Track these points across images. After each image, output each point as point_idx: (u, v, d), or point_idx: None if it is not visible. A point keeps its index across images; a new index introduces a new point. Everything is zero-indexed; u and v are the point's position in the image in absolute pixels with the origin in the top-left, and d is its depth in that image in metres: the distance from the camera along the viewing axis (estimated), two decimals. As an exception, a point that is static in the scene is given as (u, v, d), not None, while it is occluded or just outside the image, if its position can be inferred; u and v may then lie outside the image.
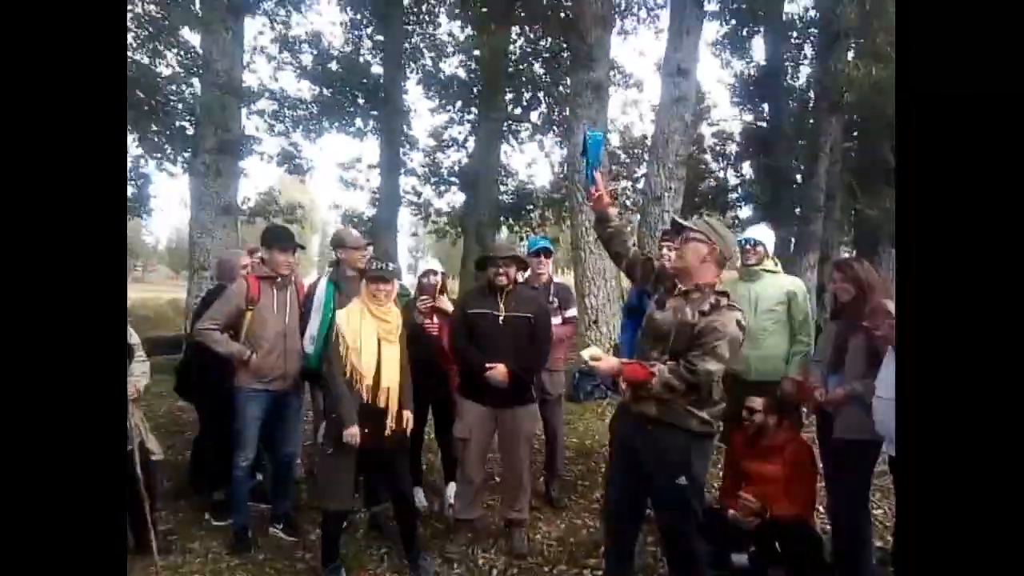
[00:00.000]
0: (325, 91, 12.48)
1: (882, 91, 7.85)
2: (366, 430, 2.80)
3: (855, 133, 11.95)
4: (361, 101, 12.91)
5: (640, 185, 12.59)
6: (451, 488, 3.74)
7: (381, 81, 12.67)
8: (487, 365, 3.08)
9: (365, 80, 12.72)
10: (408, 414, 2.99)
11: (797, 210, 10.45)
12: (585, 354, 2.43)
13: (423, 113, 38.60)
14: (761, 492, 3.07)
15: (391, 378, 2.88)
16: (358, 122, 13.31)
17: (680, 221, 2.57)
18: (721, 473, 3.48)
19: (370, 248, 3.64)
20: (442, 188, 14.67)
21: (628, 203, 14.97)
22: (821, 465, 3.14)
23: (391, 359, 2.90)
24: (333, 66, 12.55)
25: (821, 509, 3.32)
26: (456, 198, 14.90)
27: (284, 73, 12.61)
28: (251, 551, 3.17)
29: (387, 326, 2.92)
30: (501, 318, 3.18)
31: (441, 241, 15.92)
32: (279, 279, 3.24)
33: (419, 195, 14.65)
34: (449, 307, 3.59)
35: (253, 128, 11.52)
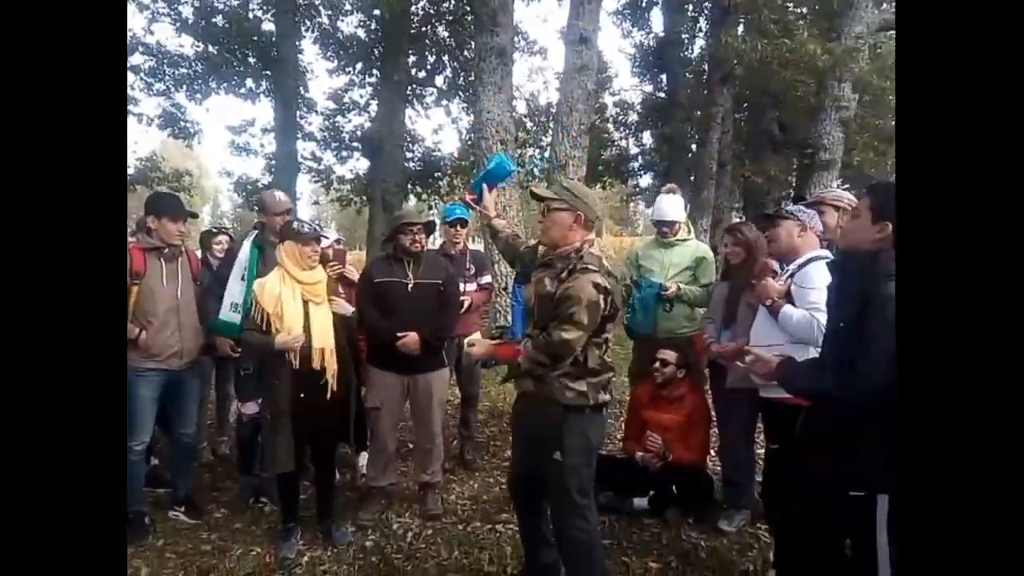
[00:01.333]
0: (210, 48, 11.52)
1: (768, 64, 8.37)
2: (302, 395, 2.76)
3: (744, 104, 12.71)
4: (252, 60, 12.05)
5: (547, 153, 12.73)
6: (362, 457, 3.73)
7: (273, 39, 11.86)
8: (399, 335, 3.07)
9: (255, 37, 11.86)
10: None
11: (691, 177, 11.02)
12: (465, 343, 2.52)
13: (321, 74, 36.64)
14: (662, 439, 3.32)
15: (324, 339, 2.82)
16: (249, 82, 12.45)
17: (537, 191, 2.37)
18: (623, 424, 3.69)
19: (292, 212, 3.46)
20: (343, 154, 14.09)
21: (536, 171, 15.14)
22: (714, 413, 3.42)
23: (321, 320, 2.83)
24: (219, 20, 11.58)
25: (712, 452, 3.62)
26: (359, 165, 14.40)
27: (160, 25, 11.46)
28: (148, 538, 3.01)
29: (313, 287, 2.85)
30: (410, 285, 3.16)
31: (345, 210, 15.36)
32: (167, 250, 3.01)
33: (319, 161, 13.99)
34: (355, 275, 3.52)
35: (127, 86, 10.49)
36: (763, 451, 3.86)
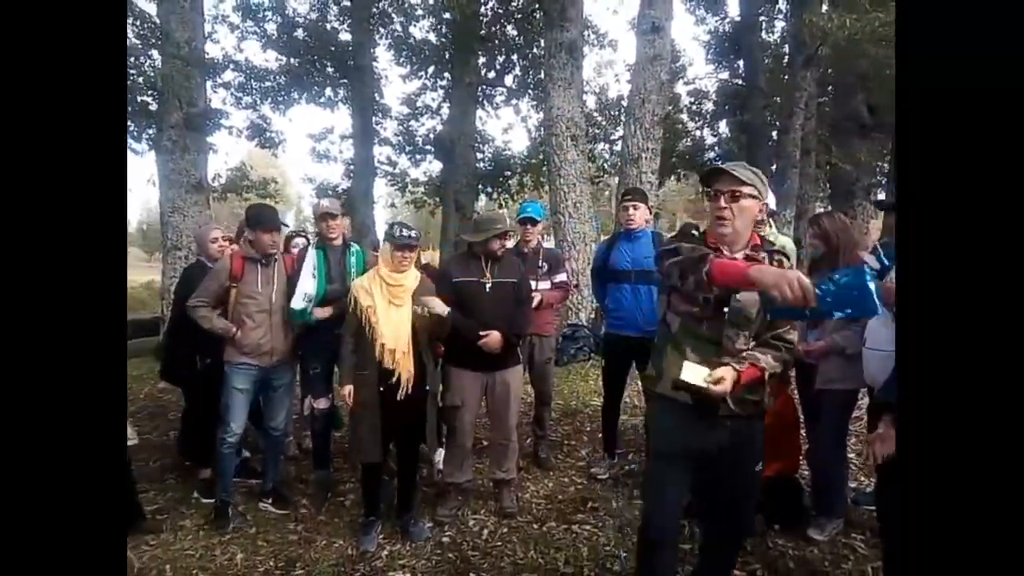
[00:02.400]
0: (292, 60, 12.12)
1: (857, 42, 7.84)
2: (381, 389, 2.93)
3: (829, 88, 11.97)
4: (330, 70, 12.57)
5: (617, 147, 12.51)
6: (439, 454, 3.79)
7: (350, 48, 12.30)
8: (481, 333, 3.12)
9: (333, 47, 12.36)
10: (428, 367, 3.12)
11: (773, 167, 10.50)
12: (703, 379, 1.90)
13: (395, 80, 37.66)
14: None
15: (397, 340, 2.94)
16: (328, 91, 12.98)
17: (726, 167, 1.96)
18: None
19: (346, 216, 3.76)
20: (417, 157, 14.43)
21: (606, 166, 14.91)
22: (802, 416, 3.22)
23: (395, 322, 2.95)
24: (299, 34, 12.16)
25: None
26: (432, 167, 14.69)
27: (249, 43, 12.27)
28: (228, 527, 3.18)
29: (396, 289, 2.97)
30: (489, 285, 3.21)
31: (419, 211, 15.74)
32: (263, 259, 3.25)
33: (394, 165, 14.41)
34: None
35: (219, 101, 11.20)
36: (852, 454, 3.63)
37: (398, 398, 2.93)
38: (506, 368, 3.28)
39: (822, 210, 10.48)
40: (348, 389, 2.98)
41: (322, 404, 3.58)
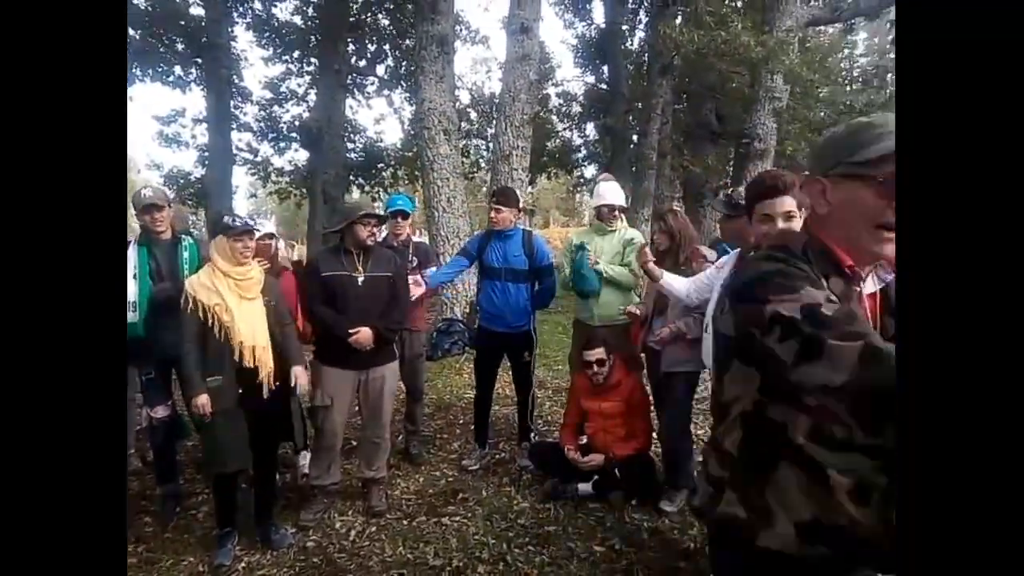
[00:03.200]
0: (133, 32, 10.88)
1: (704, 56, 8.58)
2: (240, 391, 2.70)
3: (684, 95, 13.01)
4: (180, 46, 11.47)
5: (490, 143, 12.69)
6: (303, 457, 3.64)
7: (203, 24, 11.30)
8: (351, 331, 3.03)
9: (183, 22, 11.27)
10: (298, 369, 2.92)
11: (633, 168, 11.22)
12: None
13: (256, 62, 35.24)
14: (602, 427, 3.37)
15: (254, 336, 2.73)
16: (177, 70, 11.86)
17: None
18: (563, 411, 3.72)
19: (169, 208, 3.27)
20: (281, 145, 13.65)
21: (482, 162, 15.07)
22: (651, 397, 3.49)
23: (250, 317, 2.74)
24: (141, 3, 10.94)
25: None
26: (298, 156, 13.97)
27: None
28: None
29: (246, 283, 2.76)
30: (361, 279, 3.11)
31: (283, 203, 14.87)
32: None
33: (255, 152, 13.50)
34: (287, 262, 3.49)
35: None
36: (700, 431, 4.00)
37: (264, 396, 2.75)
38: (380, 365, 3.21)
39: (677, 208, 11.37)
40: (203, 399, 2.66)
41: (160, 413, 3.20)
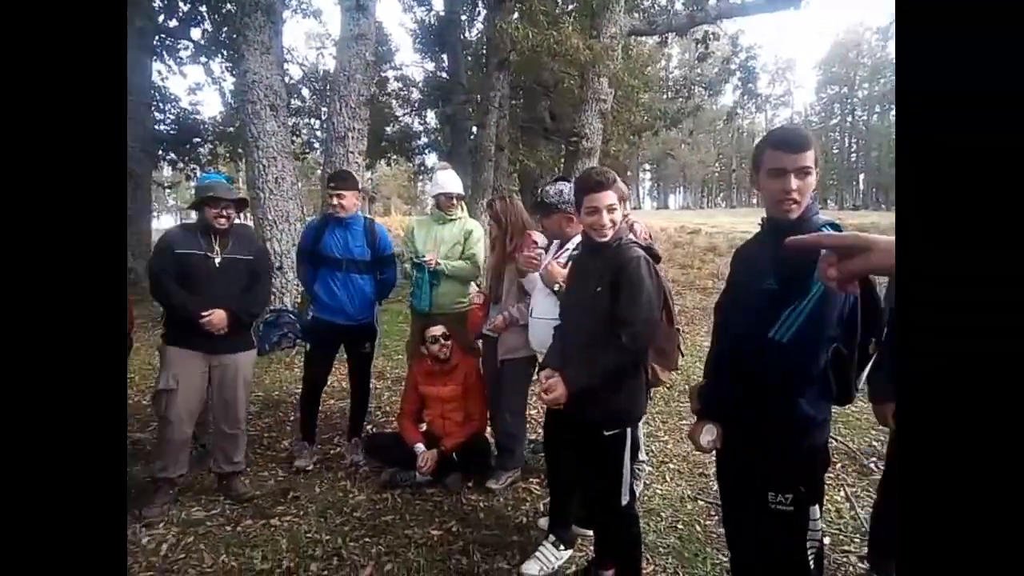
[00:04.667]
0: None
1: (538, 54, 8.94)
2: None
3: (520, 91, 13.46)
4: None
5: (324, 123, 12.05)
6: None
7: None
8: (203, 313, 2.87)
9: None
10: None
11: (472, 159, 11.37)
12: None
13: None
14: (440, 412, 3.40)
15: None
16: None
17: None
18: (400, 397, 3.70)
19: None
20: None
21: (315, 143, 14.27)
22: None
23: None
24: None
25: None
26: (93, 124, 12.04)
27: None
28: None
29: None
30: (217, 260, 2.97)
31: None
32: None
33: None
34: None
35: None
36: (533, 411, 4.20)
37: None
38: (234, 352, 3.05)
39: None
40: None
41: None
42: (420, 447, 3.28)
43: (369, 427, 4.04)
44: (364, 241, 3.55)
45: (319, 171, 19.68)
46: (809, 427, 1.76)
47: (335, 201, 3.48)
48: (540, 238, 3.33)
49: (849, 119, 56.86)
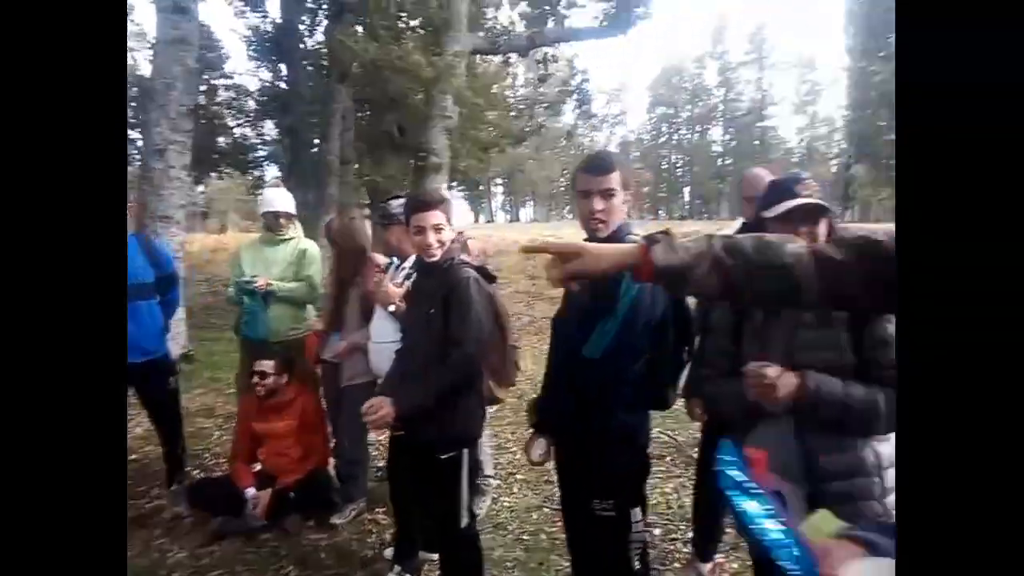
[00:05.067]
0: None
1: (380, 69, 8.81)
2: None
3: (366, 104, 13.16)
4: None
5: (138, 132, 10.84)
6: None
7: None
8: None
9: None
10: None
11: (315, 174, 10.91)
12: None
13: None
14: (276, 450, 3.17)
15: None
16: None
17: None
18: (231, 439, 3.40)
19: None
20: None
21: (135, 156, 12.77)
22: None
23: None
24: None
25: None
26: None
27: None
28: None
29: None
30: None
31: None
32: None
33: None
34: None
35: None
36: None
37: None
38: None
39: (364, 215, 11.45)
40: None
41: None
42: (250, 491, 3.01)
43: (196, 472, 3.65)
44: (144, 260, 3.10)
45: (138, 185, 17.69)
46: (627, 435, 1.88)
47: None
48: (381, 259, 3.25)
49: (675, 137, 63.02)
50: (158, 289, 3.17)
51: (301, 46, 13.03)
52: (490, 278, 2.31)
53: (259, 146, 14.00)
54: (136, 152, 12.45)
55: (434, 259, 2.18)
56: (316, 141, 11.79)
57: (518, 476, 3.65)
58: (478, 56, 11.93)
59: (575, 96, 14.10)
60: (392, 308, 2.76)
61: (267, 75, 13.61)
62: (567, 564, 2.52)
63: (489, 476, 3.26)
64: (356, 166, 11.70)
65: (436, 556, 2.55)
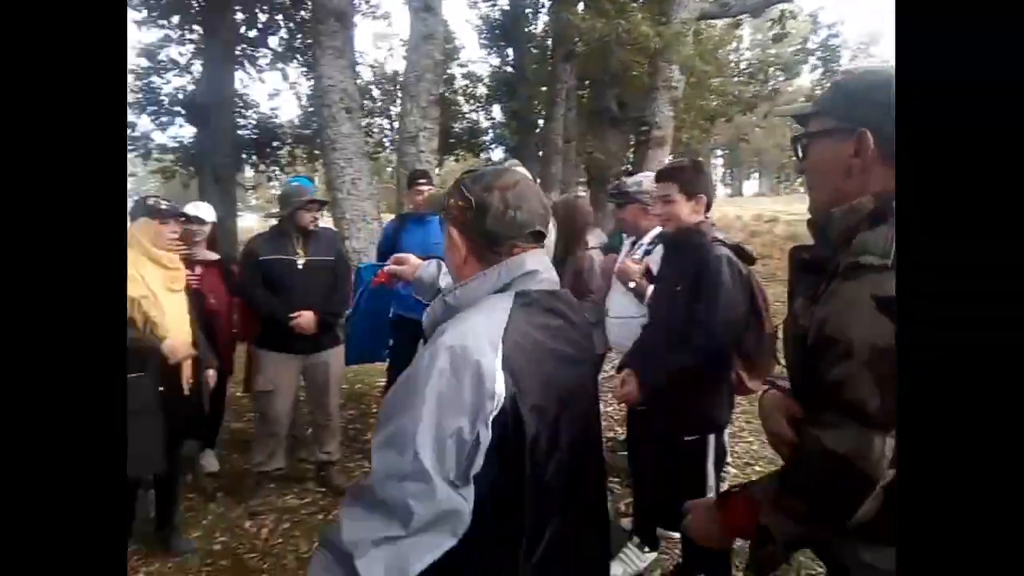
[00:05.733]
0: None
1: (605, 44, 8.80)
2: (161, 388, 2.45)
3: (587, 82, 13.29)
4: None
5: (395, 123, 12.37)
6: (207, 455, 3.54)
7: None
8: (291, 315, 2.98)
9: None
10: (211, 372, 2.84)
11: (540, 153, 11.37)
12: None
13: (129, 27, 31.98)
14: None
15: (179, 331, 2.53)
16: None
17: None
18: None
19: None
20: (163, 119, 12.50)
21: (386, 142, 14.66)
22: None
23: (176, 310, 2.55)
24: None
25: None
26: (184, 132, 12.87)
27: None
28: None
29: (175, 273, 2.58)
30: (301, 262, 3.08)
31: (169, 182, 13.70)
32: None
33: (132, 127, 12.30)
34: (213, 256, 3.40)
35: None
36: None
37: (185, 393, 2.57)
38: (323, 349, 3.19)
39: (583, 192, 11.68)
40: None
41: None
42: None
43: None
44: (441, 239, 3.57)
45: (388, 169, 20.28)
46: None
47: (419, 197, 3.54)
48: (594, 238, 3.30)
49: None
50: None
51: (527, 30, 13.59)
52: (748, 259, 2.19)
53: (488, 129, 15.02)
54: (389, 141, 14.28)
55: (673, 230, 2.17)
56: (540, 122, 12.26)
57: (756, 468, 3.47)
58: (702, 21, 11.23)
59: (817, 54, 12.53)
60: (632, 284, 2.78)
61: (496, 61, 14.48)
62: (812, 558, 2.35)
63: (727, 463, 3.15)
64: (576, 144, 11.91)
65: (677, 535, 2.55)
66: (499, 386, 0.93)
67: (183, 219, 2.84)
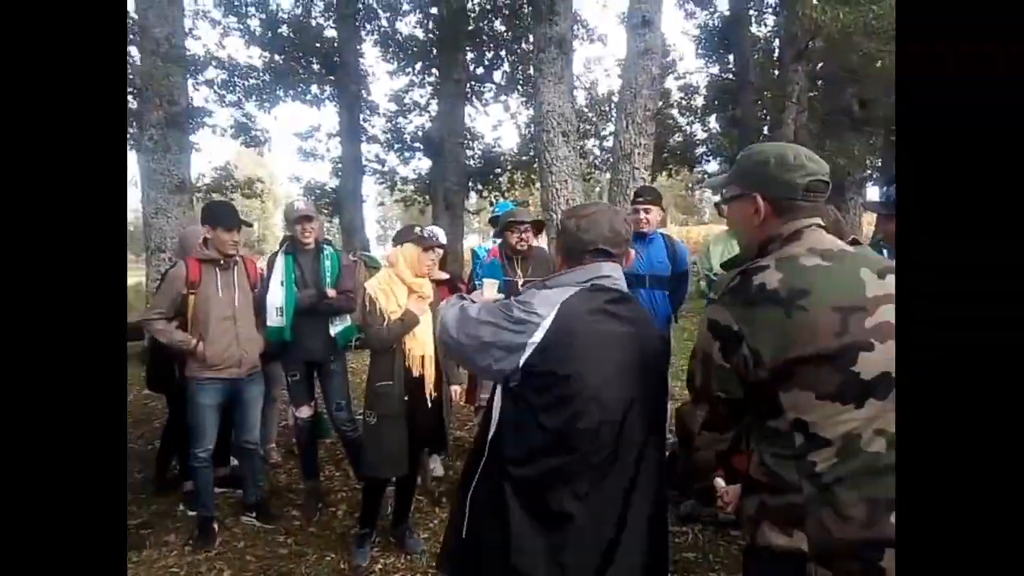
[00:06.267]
0: (276, 57, 11.90)
1: (850, 35, 7.79)
2: (405, 398, 2.75)
3: (819, 82, 11.94)
4: (316, 67, 12.37)
5: (608, 143, 12.43)
6: (435, 460, 3.72)
7: (335, 44, 12.13)
8: None
9: (318, 44, 12.17)
10: (456, 388, 3.05)
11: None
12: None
13: (382, 76, 37.49)
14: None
15: (425, 346, 2.81)
16: (314, 89, 12.78)
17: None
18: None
19: (317, 219, 3.44)
20: (406, 154, 14.24)
21: (596, 162, 14.83)
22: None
23: (423, 325, 2.82)
24: (283, 30, 11.94)
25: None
26: (422, 165, 14.52)
27: (231, 39, 12.01)
28: (214, 543, 3.04)
29: (421, 293, 2.87)
30: (521, 283, 3.19)
31: (409, 210, 15.55)
32: (222, 261, 3.00)
33: (383, 163, 14.22)
34: (443, 276, 3.59)
35: (202, 99, 10.97)
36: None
37: (428, 405, 2.81)
38: None
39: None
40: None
41: (304, 413, 3.39)
42: (720, 481, 3.00)
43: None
44: (666, 256, 3.44)
45: (596, 189, 20.50)
46: None
47: (642, 216, 3.44)
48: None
49: None
50: (671, 283, 3.49)
51: (749, 34, 12.72)
52: None
53: (705, 141, 14.32)
54: (600, 161, 14.41)
55: None
56: (764, 128, 11.31)
57: None
58: None
59: None
60: None
61: (714, 69, 13.79)
62: None
63: None
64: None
65: None
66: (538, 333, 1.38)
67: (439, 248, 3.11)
